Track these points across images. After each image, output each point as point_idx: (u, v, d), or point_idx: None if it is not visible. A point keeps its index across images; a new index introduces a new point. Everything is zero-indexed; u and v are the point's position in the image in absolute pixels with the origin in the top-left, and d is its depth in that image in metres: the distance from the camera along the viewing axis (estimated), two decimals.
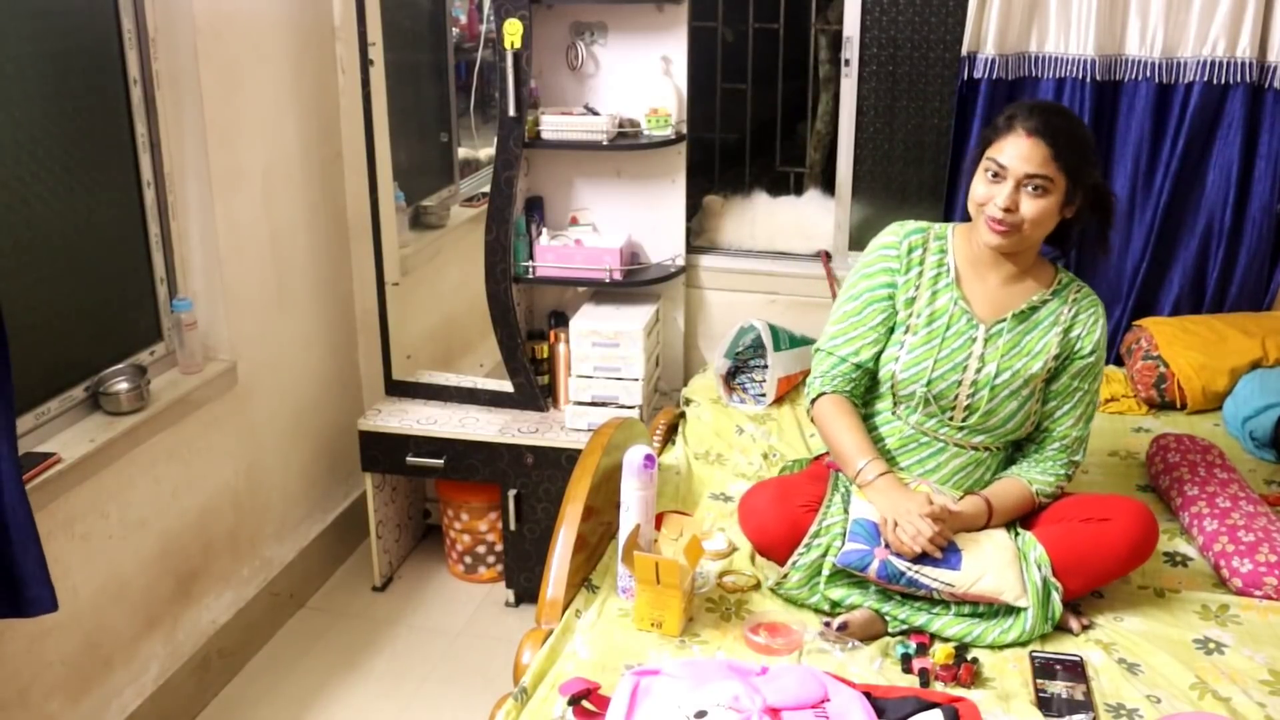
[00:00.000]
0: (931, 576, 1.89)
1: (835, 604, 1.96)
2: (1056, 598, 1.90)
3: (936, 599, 1.92)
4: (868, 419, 2.13)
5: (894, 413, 2.10)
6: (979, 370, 2.02)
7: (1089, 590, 2.00)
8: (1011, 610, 1.90)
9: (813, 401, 2.14)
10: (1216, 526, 2.12)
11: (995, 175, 1.95)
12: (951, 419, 2.06)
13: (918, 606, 1.93)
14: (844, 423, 2.06)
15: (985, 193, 1.96)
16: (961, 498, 2.03)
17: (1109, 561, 1.95)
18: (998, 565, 1.90)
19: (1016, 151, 1.92)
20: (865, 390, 2.13)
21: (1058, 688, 1.74)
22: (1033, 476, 2.06)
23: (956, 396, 2.04)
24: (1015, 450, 2.15)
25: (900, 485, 2.00)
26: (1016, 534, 2.00)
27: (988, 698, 1.73)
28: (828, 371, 2.12)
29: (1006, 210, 1.93)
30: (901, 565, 1.90)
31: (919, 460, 2.08)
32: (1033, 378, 2.03)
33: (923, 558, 1.90)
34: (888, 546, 1.91)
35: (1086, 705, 1.70)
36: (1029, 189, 1.93)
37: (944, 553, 1.91)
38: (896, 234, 2.11)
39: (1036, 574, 1.91)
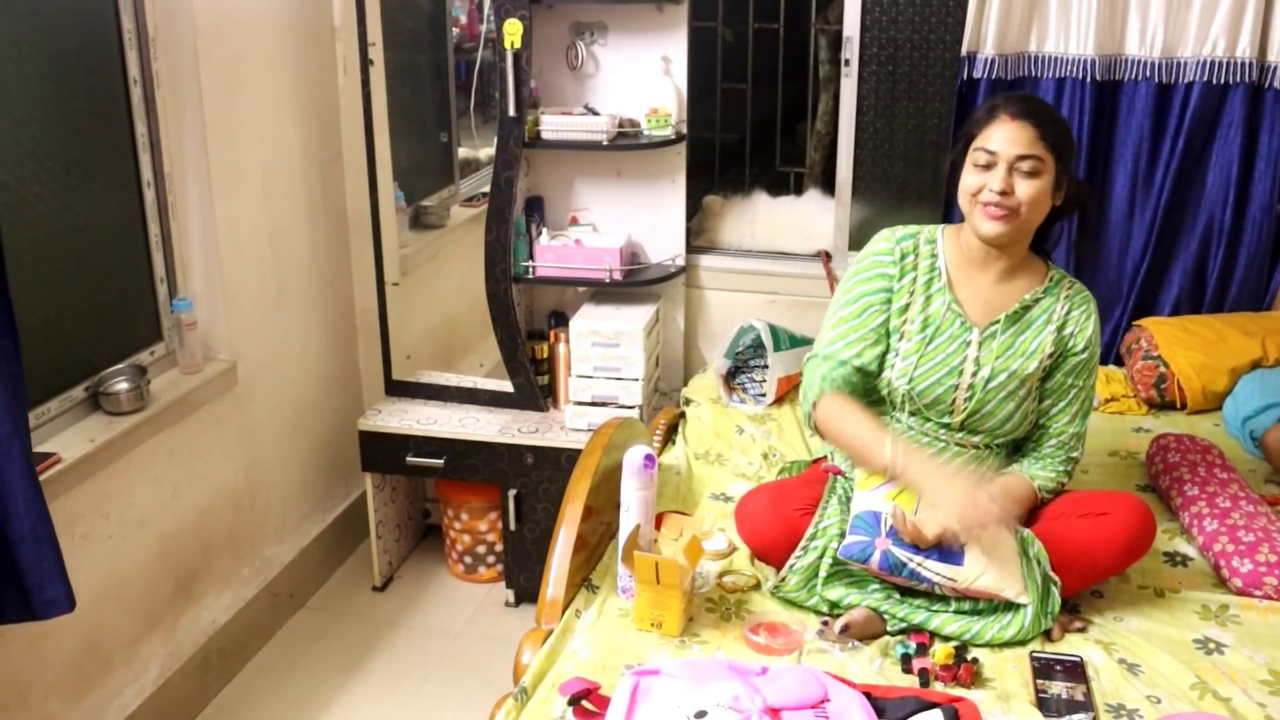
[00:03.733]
0: (934, 570, 1.89)
1: (834, 604, 1.95)
2: (1056, 593, 1.91)
3: (936, 595, 1.92)
4: None
5: (892, 416, 2.10)
6: (974, 373, 2.02)
7: (1088, 585, 2.00)
8: (1011, 606, 1.90)
9: (814, 404, 2.05)
10: (1216, 526, 2.11)
11: (986, 164, 1.95)
12: (949, 422, 2.06)
13: (916, 604, 1.93)
14: (857, 417, 1.98)
15: (978, 181, 1.96)
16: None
17: (1106, 556, 1.96)
18: (1000, 561, 1.90)
19: (1005, 135, 1.93)
20: (863, 397, 2.08)
21: (1058, 688, 1.74)
22: (1034, 472, 2.06)
23: (954, 400, 2.04)
24: (1014, 449, 2.15)
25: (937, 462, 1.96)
26: (1017, 530, 2.00)
27: (988, 698, 1.73)
28: (826, 375, 2.05)
29: (1003, 194, 1.93)
30: (903, 556, 1.89)
31: None
32: (1028, 377, 2.03)
33: (927, 549, 1.90)
34: (888, 537, 1.91)
35: (1086, 705, 1.70)
36: (1021, 170, 1.93)
37: (945, 547, 1.91)
38: (889, 240, 2.10)
39: (1036, 570, 1.91)
